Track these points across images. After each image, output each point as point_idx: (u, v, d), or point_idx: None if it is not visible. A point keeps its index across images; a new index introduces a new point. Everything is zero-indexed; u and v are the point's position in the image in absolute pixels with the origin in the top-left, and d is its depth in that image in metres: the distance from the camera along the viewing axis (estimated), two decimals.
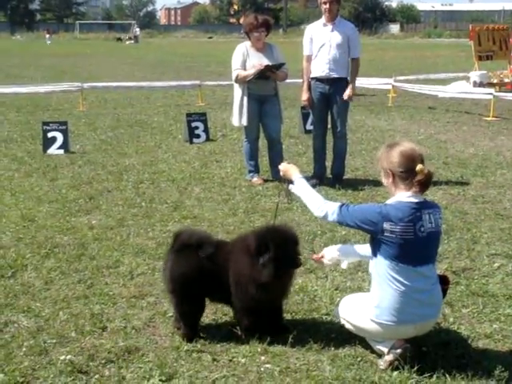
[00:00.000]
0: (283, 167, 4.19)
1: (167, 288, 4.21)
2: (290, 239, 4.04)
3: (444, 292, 3.91)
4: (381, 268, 3.69)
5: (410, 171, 3.65)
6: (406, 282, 3.64)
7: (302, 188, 3.99)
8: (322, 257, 4.29)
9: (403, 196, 3.68)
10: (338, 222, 3.79)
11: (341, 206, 3.76)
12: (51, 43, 55.96)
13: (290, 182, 4.11)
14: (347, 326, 3.96)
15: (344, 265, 4.27)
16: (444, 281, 3.93)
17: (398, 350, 3.72)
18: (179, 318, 4.21)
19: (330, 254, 4.26)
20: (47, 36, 60.40)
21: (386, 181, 3.79)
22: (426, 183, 3.69)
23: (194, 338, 4.09)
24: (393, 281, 3.66)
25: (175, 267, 4.10)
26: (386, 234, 3.59)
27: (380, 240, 3.63)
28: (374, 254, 3.75)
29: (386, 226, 3.58)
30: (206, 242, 4.16)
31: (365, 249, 4.08)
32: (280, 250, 3.91)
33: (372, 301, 3.77)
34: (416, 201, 3.66)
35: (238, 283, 4.01)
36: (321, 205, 3.83)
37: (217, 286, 4.08)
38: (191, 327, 4.15)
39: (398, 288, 3.66)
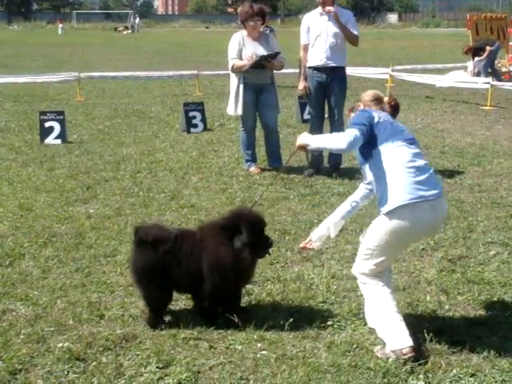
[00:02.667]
0: (297, 142, 4.11)
1: (132, 279, 4.32)
2: (259, 221, 4.15)
3: None
4: (379, 160, 3.83)
5: (378, 100, 4.25)
6: (406, 159, 3.79)
7: (318, 141, 4.01)
8: (310, 241, 4.35)
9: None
10: (361, 135, 3.81)
11: (354, 128, 3.83)
12: (63, 33, 55.87)
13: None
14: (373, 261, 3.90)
15: (332, 234, 4.36)
16: None
17: (403, 356, 3.72)
18: (145, 306, 4.31)
19: (315, 235, 4.36)
20: (60, 25, 60.51)
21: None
22: (395, 106, 4.30)
23: (157, 325, 4.16)
24: (394, 163, 3.78)
25: (136, 261, 4.20)
26: (375, 120, 3.91)
27: (375, 133, 3.87)
28: (370, 154, 3.87)
29: (373, 114, 3.97)
30: (163, 239, 4.15)
31: (343, 209, 4.39)
32: (253, 231, 4.02)
33: (381, 200, 3.81)
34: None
35: (213, 270, 4.03)
36: (341, 137, 3.87)
37: (181, 275, 4.11)
38: (155, 314, 4.23)
39: (401, 168, 3.76)
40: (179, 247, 4.11)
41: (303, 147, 4.05)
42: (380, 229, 3.80)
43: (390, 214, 3.74)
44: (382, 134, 3.87)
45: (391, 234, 3.76)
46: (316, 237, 4.36)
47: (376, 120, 3.91)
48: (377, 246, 3.84)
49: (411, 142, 3.92)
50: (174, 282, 4.17)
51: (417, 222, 3.74)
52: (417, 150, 3.90)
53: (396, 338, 3.73)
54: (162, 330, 4.14)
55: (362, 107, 4.19)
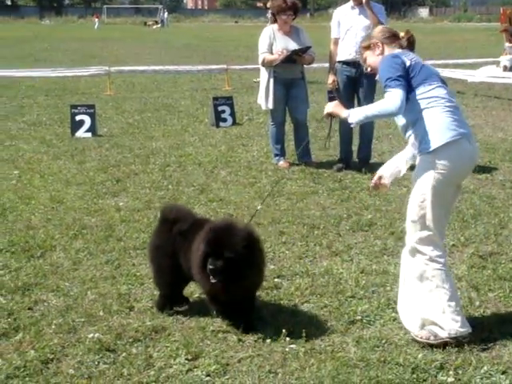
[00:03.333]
0: (329, 107, 4.12)
1: (148, 258, 4.40)
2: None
3: None
4: (417, 103, 3.79)
5: (395, 36, 4.11)
6: (445, 99, 3.80)
7: (358, 111, 3.98)
8: (380, 179, 4.23)
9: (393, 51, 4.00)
10: (405, 92, 3.74)
11: (394, 87, 3.74)
12: (99, 28, 56.51)
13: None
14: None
15: (403, 171, 4.25)
16: None
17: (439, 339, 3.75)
18: (155, 287, 4.35)
19: (387, 172, 4.22)
20: (96, 20, 61.29)
21: (372, 58, 4.10)
22: (412, 41, 4.12)
23: (164, 308, 4.22)
24: (433, 104, 3.78)
25: (153, 239, 4.31)
26: (407, 64, 3.83)
27: (410, 76, 3.81)
28: (406, 99, 3.76)
29: (403, 59, 3.87)
30: (183, 219, 4.18)
31: (409, 150, 4.12)
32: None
33: (422, 141, 3.79)
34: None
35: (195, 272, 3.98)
36: (386, 101, 3.78)
37: (189, 262, 4.06)
38: (163, 297, 4.28)
39: (441, 108, 3.77)
40: (193, 232, 4.06)
41: (330, 115, 4.04)
42: (428, 169, 3.76)
43: (436, 153, 3.73)
44: (417, 77, 3.82)
45: (440, 173, 3.72)
46: (388, 173, 4.22)
47: (408, 64, 3.83)
48: (429, 190, 3.75)
49: (443, 81, 3.92)
50: (183, 268, 4.13)
51: (461, 157, 3.77)
52: (449, 89, 3.92)
53: (454, 322, 3.76)
54: (169, 315, 4.18)
55: (380, 47, 4.05)
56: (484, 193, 7.02)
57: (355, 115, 3.93)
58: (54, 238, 5.67)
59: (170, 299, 4.29)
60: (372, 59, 4.12)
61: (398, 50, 4.00)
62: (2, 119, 11.82)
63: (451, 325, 3.76)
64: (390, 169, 4.22)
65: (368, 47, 4.12)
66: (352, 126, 4.10)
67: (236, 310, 4.05)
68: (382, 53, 4.05)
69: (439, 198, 3.78)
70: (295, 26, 8.27)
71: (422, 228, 3.81)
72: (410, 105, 3.80)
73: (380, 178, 4.24)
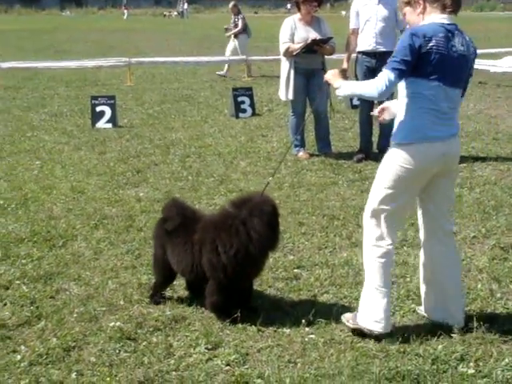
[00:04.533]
0: (328, 74, 3.99)
1: None
2: (271, 211, 3.98)
3: None
4: (410, 91, 3.69)
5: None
6: (435, 102, 3.65)
7: (348, 86, 3.87)
8: (383, 111, 4.16)
9: (436, 18, 3.69)
10: (398, 79, 3.65)
11: (390, 69, 3.64)
12: (128, 18, 57.46)
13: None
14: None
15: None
16: None
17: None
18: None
19: (390, 107, 4.11)
20: (125, 11, 62.43)
21: (412, 16, 3.80)
22: (458, 1, 3.76)
23: (153, 296, 4.31)
24: (422, 102, 3.66)
25: (154, 229, 4.45)
26: (422, 50, 3.57)
27: (418, 62, 3.59)
28: (406, 77, 3.67)
29: (422, 42, 3.57)
30: (173, 218, 4.19)
31: None
32: (263, 222, 3.87)
33: (397, 131, 3.78)
34: (448, 22, 3.70)
35: (209, 262, 3.97)
36: (374, 83, 3.71)
37: (174, 259, 4.14)
38: (155, 285, 4.38)
39: (426, 109, 3.66)
40: (179, 233, 4.12)
41: (327, 82, 3.97)
42: (392, 159, 3.78)
43: (401, 147, 3.72)
44: (426, 67, 3.60)
45: (402, 166, 3.70)
46: (391, 109, 4.08)
47: (423, 50, 3.57)
48: (389, 178, 3.77)
49: (455, 81, 3.70)
50: (171, 265, 4.20)
51: (423, 159, 3.69)
52: (455, 92, 3.73)
53: (372, 316, 3.78)
54: (156, 303, 4.26)
55: (421, 4, 3.72)
56: (506, 184, 6.96)
57: (344, 89, 3.85)
58: (75, 228, 5.73)
59: (161, 289, 4.38)
60: (412, 18, 3.82)
61: (438, 15, 3.68)
62: (24, 110, 11.92)
63: (368, 319, 3.78)
64: (393, 107, 4.07)
65: (409, 2, 3.81)
66: (338, 98, 4.06)
67: (239, 296, 4.09)
68: (423, 12, 3.72)
69: (398, 188, 3.75)
70: (316, 17, 8.23)
71: (373, 214, 3.89)
72: (406, 85, 3.70)
73: (383, 109, 4.16)
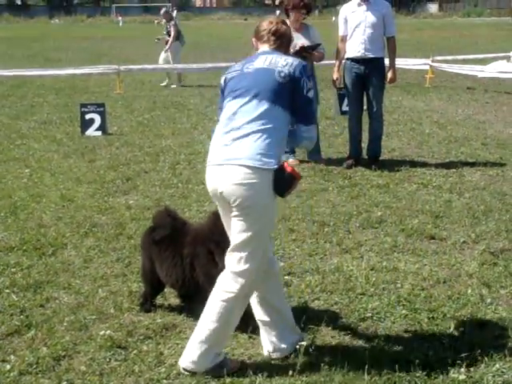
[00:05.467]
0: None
1: None
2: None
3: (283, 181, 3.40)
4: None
5: (264, 31, 3.76)
6: (224, 120, 3.53)
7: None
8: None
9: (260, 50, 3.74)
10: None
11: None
12: (123, 25, 57.62)
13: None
14: None
15: None
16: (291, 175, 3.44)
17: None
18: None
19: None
20: (120, 18, 62.64)
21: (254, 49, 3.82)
22: (275, 33, 3.71)
23: (143, 305, 4.30)
24: (219, 124, 3.59)
25: (141, 237, 4.45)
26: (226, 83, 3.66)
27: (224, 95, 3.64)
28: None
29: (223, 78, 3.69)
30: (160, 228, 4.20)
31: None
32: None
33: None
34: (264, 50, 3.70)
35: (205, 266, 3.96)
36: None
37: (176, 274, 4.09)
38: (144, 294, 4.36)
39: (218, 130, 3.56)
40: (166, 243, 4.12)
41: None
42: None
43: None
44: (226, 92, 3.61)
45: None
46: None
47: (222, 83, 3.67)
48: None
49: (241, 93, 3.50)
50: (159, 274, 4.19)
51: (208, 182, 3.56)
52: (233, 107, 3.50)
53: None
54: (146, 311, 4.26)
55: (254, 44, 3.81)
56: (495, 189, 6.99)
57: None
58: (65, 236, 5.70)
59: (151, 297, 4.35)
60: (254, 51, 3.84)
61: (262, 48, 3.72)
62: (12, 118, 11.88)
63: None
64: None
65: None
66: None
67: None
68: (257, 49, 3.78)
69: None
70: (305, 24, 8.26)
71: None
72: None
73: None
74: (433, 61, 16.91)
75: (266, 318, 3.71)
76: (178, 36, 16.90)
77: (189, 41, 18.87)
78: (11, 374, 3.53)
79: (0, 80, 16.37)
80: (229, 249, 3.51)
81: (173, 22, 16.83)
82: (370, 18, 7.83)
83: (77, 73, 16.81)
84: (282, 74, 3.49)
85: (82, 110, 10.39)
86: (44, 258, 5.23)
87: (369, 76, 7.91)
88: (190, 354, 3.52)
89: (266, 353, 3.72)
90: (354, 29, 7.88)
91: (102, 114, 10.36)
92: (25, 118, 11.96)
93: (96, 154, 8.97)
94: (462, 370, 3.52)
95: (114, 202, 6.74)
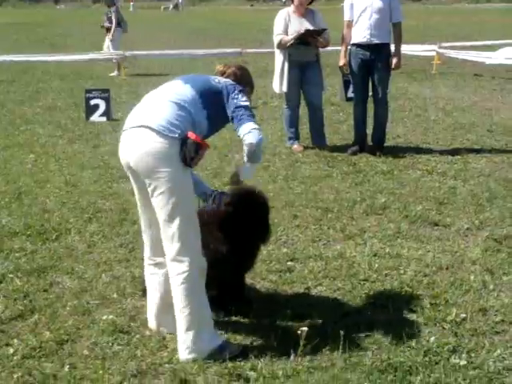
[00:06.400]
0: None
1: None
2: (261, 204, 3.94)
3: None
4: None
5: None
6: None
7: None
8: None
9: None
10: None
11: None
12: (134, 12, 56.91)
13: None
14: None
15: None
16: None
17: None
18: None
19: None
20: (131, 4, 61.98)
21: None
22: (222, 74, 3.95)
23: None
24: None
25: None
26: None
27: None
28: None
29: None
30: None
31: None
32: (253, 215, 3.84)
33: None
34: None
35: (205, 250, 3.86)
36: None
37: None
38: None
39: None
40: None
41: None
42: None
43: None
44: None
45: None
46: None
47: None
48: None
49: (183, 78, 3.79)
50: None
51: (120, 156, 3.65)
52: (173, 83, 3.73)
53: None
54: None
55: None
56: (500, 175, 6.97)
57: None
58: (68, 222, 5.72)
59: None
60: None
61: None
62: (17, 104, 11.89)
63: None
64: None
65: None
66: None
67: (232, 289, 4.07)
68: None
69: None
70: (310, 9, 8.22)
71: None
72: None
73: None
74: (440, 47, 16.79)
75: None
76: (120, 22, 16.36)
77: (193, 26, 18.75)
78: (14, 358, 3.55)
79: (5, 65, 16.35)
80: (161, 230, 3.51)
81: (114, 8, 16.25)
82: (377, 3, 7.77)
83: (82, 58, 16.78)
84: (217, 80, 3.70)
85: (87, 95, 10.39)
86: (48, 243, 5.24)
87: (374, 62, 7.87)
88: (184, 345, 3.53)
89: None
90: (361, 14, 7.82)
91: (107, 100, 10.36)
92: (30, 103, 11.97)
93: (100, 139, 8.97)
94: (463, 355, 3.52)
95: (117, 187, 6.74)
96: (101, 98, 10.34)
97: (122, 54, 16.12)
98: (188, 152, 3.36)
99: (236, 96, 3.62)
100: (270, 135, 9.07)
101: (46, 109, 11.36)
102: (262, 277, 4.56)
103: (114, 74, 16.11)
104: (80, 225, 5.65)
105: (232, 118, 3.61)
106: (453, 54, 16.69)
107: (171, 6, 66.43)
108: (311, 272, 4.63)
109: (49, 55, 17.18)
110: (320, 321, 3.93)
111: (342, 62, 8.06)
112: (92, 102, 10.32)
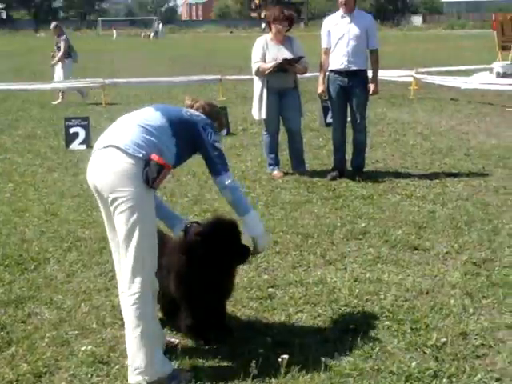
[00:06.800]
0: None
1: None
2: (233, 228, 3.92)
3: None
4: None
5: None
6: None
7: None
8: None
9: None
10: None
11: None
12: (117, 39, 57.31)
13: None
14: None
15: None
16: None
17: None
18: None
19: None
20: (114, 31, 62.51)
21: None
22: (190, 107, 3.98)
23: None
24: None
25: None
26: None
27: None
28: None
29: None
30: None
31: None
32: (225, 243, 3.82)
33: None
34: None
35: (181, 279, 3.89)
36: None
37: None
38: None
39: None
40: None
41: None
42: None
43: None
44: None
45: None
46: None
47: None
48: None
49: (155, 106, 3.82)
50: None
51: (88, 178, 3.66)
52: (145, 110, 3.74)
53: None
54: None
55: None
56: (478, 199, 7.03)
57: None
58: (47, 251, 5.67)
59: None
60: None
61: None
62: None
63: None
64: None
65: None
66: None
67: (212, 317, 4.04)
68: None
69: None
70: (288, 36, 8.30)
71: None
72: None
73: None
74: (417, 72, 17.03)
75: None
76: (70, 51, 16.15)
77: (173, 54, 18.85)
78: None
79: None
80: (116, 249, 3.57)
81: (63, 37, 16.02)
82: (354, 30, 7.88)
83: (62, 87, 16.76)
84: (189, 113, 3.77)
85: (67, 123, 10.39)
86: (26, 273, 5.19)
87: (352, 88, 7.95)
88: (133, 366, 3.49)
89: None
90: (338, 41, 7.92)
91: (87, 128, 10.36)
92: (9, 132, 11.92)
93: (80, 167, 8.91)
94: (445, 380, 3.53)
95: (97, 215, 6.67)
96: (80, 126, 10.35)
97: (102, 81, 16.16)
98: (150, 173, 3.42)
99: (209, 134, 3.70)
100: (249, 161, 9.10)
101: (25, 137, 11.32)
102: (242, 304, 4.54)
103: (58, 101, 15.93)
104: (59, 254, 5.60)
105: (205, 159, 3.72)
106: (429, 79, 16.92)
107: (152, 34, 66.84)
108: (292, 298, 4.63)
109: (29, 83, 17.16)
110: (301, 348, 3.91)
111: (320, 89, 8.14)
112: (72, 130, 10.32)
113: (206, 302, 3.91)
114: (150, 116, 3.66)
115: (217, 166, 3.70)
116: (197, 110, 3.92)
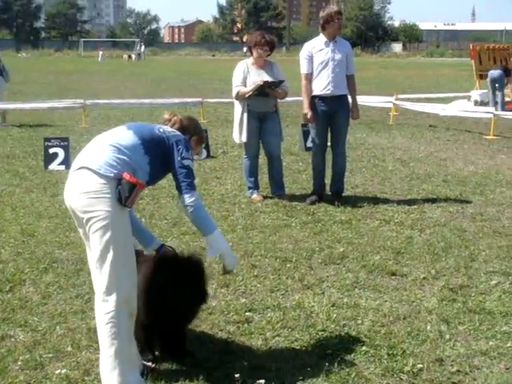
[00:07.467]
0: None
1: None
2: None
3: None
4: None
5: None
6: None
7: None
8: None
9: None
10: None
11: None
12: (102, 61, 56.64)
13: None
14: None
15: None
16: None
17: None
18: None
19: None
20: (100, 53, 61.88)
21: None
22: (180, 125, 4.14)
23: None
24: None
25: None
26: None
27: None
28: None
29: None
30: None
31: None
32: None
33: None
34: None
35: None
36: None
37: None
38: None
39: None
40: None
41: None
42: None
43: None
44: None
45: None
46: None
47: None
48: None
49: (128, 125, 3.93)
50: None
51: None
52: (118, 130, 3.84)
53: None
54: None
55: None
56: (455, 226, 7.10)
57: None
58: (23, 272, 5.60)
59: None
60: None
61: None
62: None
63: None
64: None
65: None
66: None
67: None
68: None
69: None
70: (269, 61, 8.37)
71: None
72: None
73: None
74: (396, 99, 17.25)
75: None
76: (2, 72, 15.70)
77: (155, 76, 18.91)
78: None
79: None
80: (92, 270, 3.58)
81: None
82: (337, 56, 7.96)
83: (42, 106, 16.73)
84: (161, 130, 3.83)
85: (46, 144, 10.33)
86: (1, 294, 5.11)
87: (335, 113, 8.01)
88: None
89: None
90: (323, 67, 7.97)
91: (66, 148, 10.31)
92: None
93: (59, 188, 8.85)
94: None
95: (75, 237, 6.64)
96: (60, 147, 10.30)
97: (83, 102, 16.13)
98: (123, 191, 3.44)
99: (180, 152, 3.75)
100: (229, 184, 9.11)
101: (3, 157, 11.22)
102: (219, 328, 4.52)
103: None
104: (35, 275, 5.54)
105: (172, 175, 3.80)
106: (409, 105, 17.14)
107: (134, 56, 67.05)
108: (269, 323, 4.61)
109: (9, 103, 17.07)
110: (277, 373, 3.89)
111: (309, 115, 7.99)
112: (51, 151, 10.26)
113: (166, 326, 3.88)
114: (122, 135, 3.71)
115: (181, 183, 3.76)
116: (174, 124, 3.99)
